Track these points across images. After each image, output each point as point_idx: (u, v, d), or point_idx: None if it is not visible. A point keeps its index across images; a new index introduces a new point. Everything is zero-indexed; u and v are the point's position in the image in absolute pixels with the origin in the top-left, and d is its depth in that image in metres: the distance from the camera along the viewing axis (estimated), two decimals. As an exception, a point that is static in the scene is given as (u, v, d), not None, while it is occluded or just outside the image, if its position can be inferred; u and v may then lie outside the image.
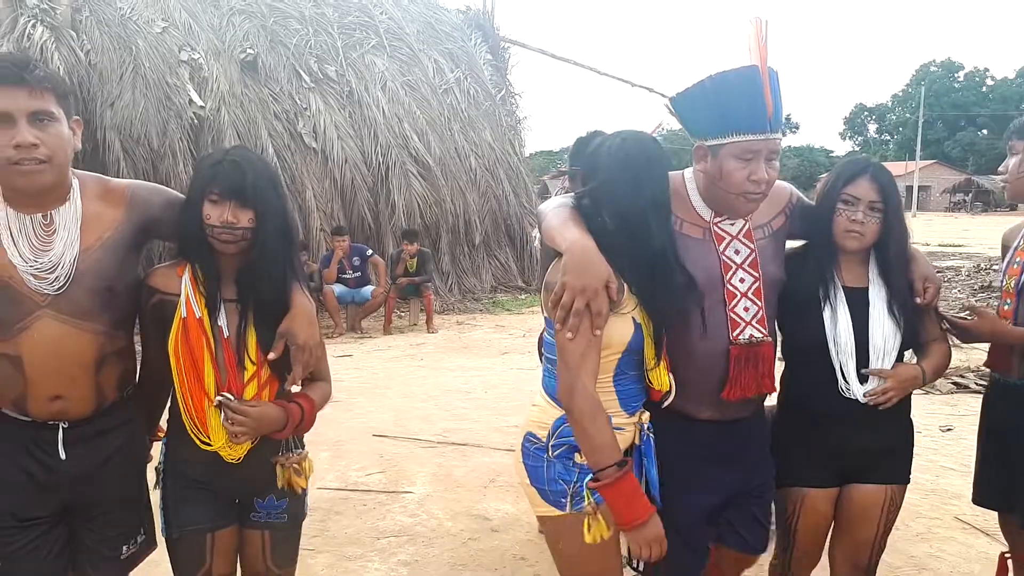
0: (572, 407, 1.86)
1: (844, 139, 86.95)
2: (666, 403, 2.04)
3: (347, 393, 6.27)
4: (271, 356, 1.89)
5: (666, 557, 2.01)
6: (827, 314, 2.17)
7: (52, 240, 1.80)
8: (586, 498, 1.91)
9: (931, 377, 2.23)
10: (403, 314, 10.45)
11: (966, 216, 49.44)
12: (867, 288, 2.20)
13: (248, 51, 10.69)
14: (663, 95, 15.88)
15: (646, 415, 2.01)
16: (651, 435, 2.02)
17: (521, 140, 14.61)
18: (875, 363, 2.16)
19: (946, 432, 5.30)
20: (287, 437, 1.98)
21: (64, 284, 1.79)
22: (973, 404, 6.02)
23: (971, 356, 7.58)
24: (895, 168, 63.69)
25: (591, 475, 1.88)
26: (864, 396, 2.15)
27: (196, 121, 9.81)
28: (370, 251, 9.76)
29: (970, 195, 59.36)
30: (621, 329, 1.91)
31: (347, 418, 5.60)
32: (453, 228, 12.03)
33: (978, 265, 16.30)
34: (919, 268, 2.21)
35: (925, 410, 5.88)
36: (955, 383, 6.56)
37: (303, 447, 2.08)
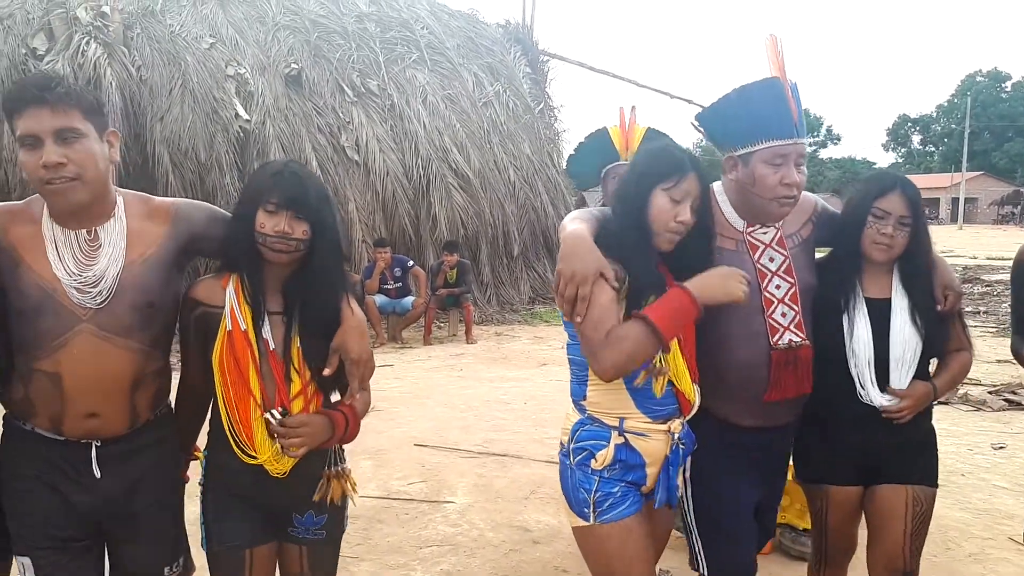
0: (611, 361, 1.86)
1: (887, 151, 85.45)
2: (690, 414, 2.07)
3: (388, 402, 6.33)
4: (326, 372, 1.88)
5: (719, 555, 2.18)
6: (845, 323, 2.25)
7: (97, 255, 1.81)
8: (591, 499, 1.98)
9: (943, 391, 2.31)
10: (443, 324, 10.51)
11: (1015, 229, 48.14)
12: (889, 299, 2.26)
13: (292, 66, 10.89)
14: (702, 106, 15.72)
15: (676, 423, 2.02)
16: (682, 446, 2.05)
17: (559, 152, 14.63)
18: (895, 372, 2.23)
19: (999, 450, 5.17)
20: (333, 447, 1.97)
21: (107, 298, 1.79)
22: (1026, 421, 5.88)
23: (1023, 372, 7.40)
24: (940, 180, 62.52)
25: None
26: (880, 407, 2.22)
27: (242, 134, 10.01)
28: (411, 262, 9.86)
29: (1019, 207, 57.81)
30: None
31: (389, 427, 5.65)
32: (492, 240, 12.08)
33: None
34: (940, 276, 2.28)
35: (977, 427, 5.75)
36: (1007, 400, 6.40)
37: (344, 461, 2.06)
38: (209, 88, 10.07)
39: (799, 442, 2.40)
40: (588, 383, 2.03)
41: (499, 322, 11.29)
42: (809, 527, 2.68)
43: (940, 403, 6.57)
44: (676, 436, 2.02)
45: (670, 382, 2.01)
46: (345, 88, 11.33)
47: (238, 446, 1.87)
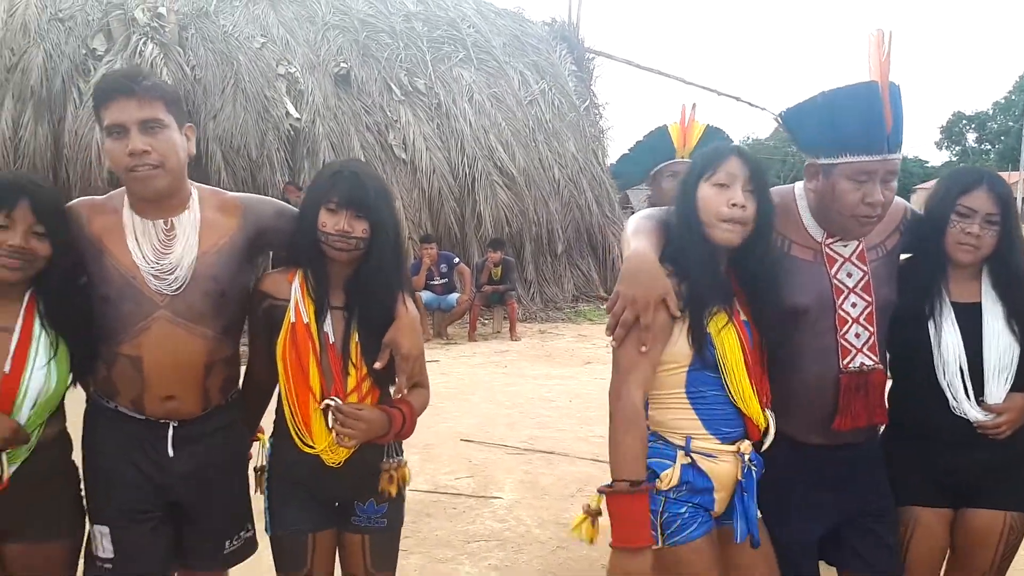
0: (613, 411, 1.81)
1: (940, 149, 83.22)
2: (765, 445, 1.93)
3: (435, 397, 6.29)
4: (377, 365, 1.92)
5: None
6: (932, 331, 2.09)
7: (172, 244, 1.92)
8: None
9: None
10: (487, 321, 10.56)
11: (1075, 230, 46.54)
12: (979, 303, 2.10)
13: (342, 65, 11.05)
14: (751, 104, 15.59)
15: (746, 444, 1.90)
16: (753, 469, 1.91)
17: (604, 150, 14.58)
18: (991, 382, 2.06)
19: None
20: (389, 442, 2.00)
21: (182, 285, 1.90)
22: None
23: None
24: (996, 179, 60.55)
25: (607, 485, 1.79)
26: (976, 422, 2.06)
27: (292, 133, 10.20)
28: (457, 259, 9.94)
29: (1079, 208, 55.92)
30: (683, 341, 1.84)
31: (435, 422, 5.70)
32: (536, 238, 12.10)
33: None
34: None
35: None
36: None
37: (402, 454, 2.09)
38: (260, 87, 10.26)
39: (888, 461, 2.20)
40: (648, 400, 1.89)
41: (543, 320, 11.31)
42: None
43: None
44: (747, 458, 1.89)
45: (734, 401, 1.88)
46: (393, 87, 11.44)
47: (297, 435, 1.94)
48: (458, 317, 9.81)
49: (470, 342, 9.65)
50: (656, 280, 1.81)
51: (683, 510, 1.85)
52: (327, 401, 1.91)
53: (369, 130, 10.99)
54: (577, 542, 3.67)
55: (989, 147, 78.30)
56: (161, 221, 1.93)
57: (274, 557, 2.09)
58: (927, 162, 73.24)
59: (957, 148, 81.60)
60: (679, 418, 1.88)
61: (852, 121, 1.91)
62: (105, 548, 1.95)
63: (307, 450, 1.94)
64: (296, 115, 10.24)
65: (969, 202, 2.05)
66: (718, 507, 1.91)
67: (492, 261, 9.98)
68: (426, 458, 4.89)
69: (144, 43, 9.66)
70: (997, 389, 2.07)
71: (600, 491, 1.80)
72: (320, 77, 10.88)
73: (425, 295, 9.50)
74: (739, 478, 1.89)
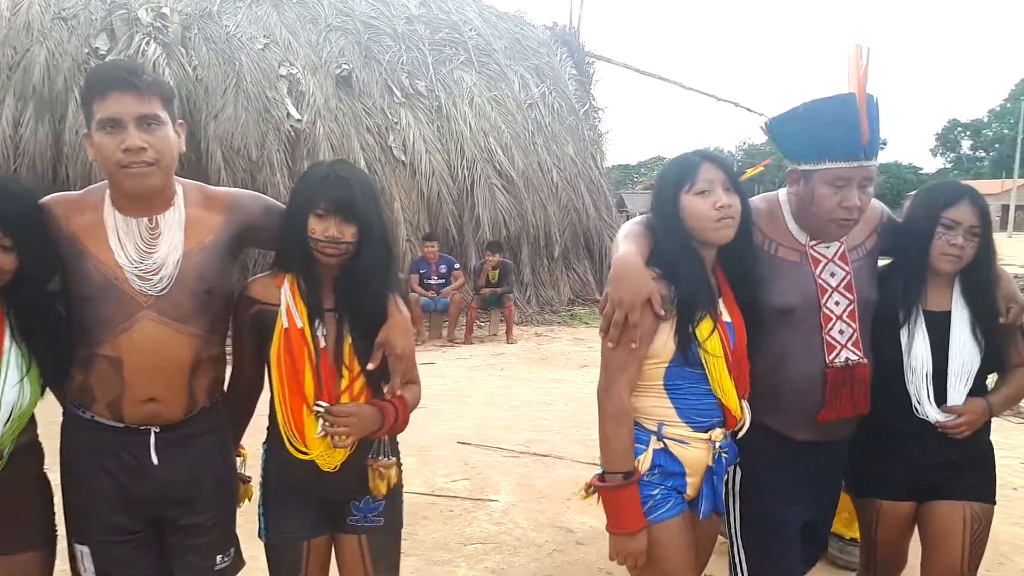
0: (602, 408, 1.94)
1: (935, 155, 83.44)
2: (740, 433, 2.06)
3: (432, 400, 6.42)
4: (370, 366, 1.91)
5: (766, 571, 2.16)
6: (904, 338, 2.21)
7: (157, 243, 1.85)
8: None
9: (1001, 407, 2.28)
10: (483, 324, 10.60)
11: (1069, 239, 46.68)
12: (949, 312, 2.23)
13: (343, 67, 11.08)
14: (749, 109, 15.67)
15: (717, 432, 2.00)
16: (724, 455, 2.03)
17: (603, 154, 14.65)
18: (953, 386, 2.20)
19: (1047, 466, 5.09)
20: (382, 437, 1.98)
21: (167, 285, 1.84)
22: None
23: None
24: (991, 186, 60.75)
25: (600, 475, 1.96)
26: (937, 423, 2.20)
27: (293, 134, 10.22)
28: (457, 265, 9.99)
29: (1073, 216, 56.07)
30: (664, 338, 1.95)
31: (432, 424, 5.74)
32: (533, 241, 12.14)
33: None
34: (1003, 289, 2.23)
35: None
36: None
37: (396, 454, 2.07)
38: (262, 88, 10.28)
39: (853, 455, 2.37)
40: None
41: (539, 323, 11.35)
42: (857, 536, 2.67)
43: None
44: (718, 445, 2.00)
45: (716, 395, 1.99)
46: (394, 89, 11.48)
47: (291, 441, 1.92)
48: (454, 318, 9.84)
49: (466, 344, 9.68)
50: (642, 282, 1.91)
51: (655, 492, 1.97)
52: (316, 407, 1.89)
53: (369, 132, 11.01)
54: (573, 545, 3.76)
55: (983, 154, 78.56)
56: (145, 219, 1.86)
57: (269, 565, 2.06)
58: (921, 169, 73.44)
59: (952, 155, 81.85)
60: (654, 406, 1.99)
61: (831, 130, 2.04)
62: (87, 568, 1.90)
63: (302, 457, 1.92)
64: (297, 116, 10.27)
65: (953, 215, 2.17)
66: (691, 491, 2.03)
67: (490, 263, 10.02)
68: (422, 460, 4.93)
69: (147, 43, 9.68)
70: (958, 393, 2.21)
71: (595, 486, 1.95)
72: (321, 78, 10.91)
73: (422, 299, 9.56)
74: (710, 464, 2.01)
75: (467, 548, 3.70)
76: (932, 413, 2.21)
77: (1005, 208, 54.39)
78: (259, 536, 2.08)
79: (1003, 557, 3.70)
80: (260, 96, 10.21)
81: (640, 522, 1.92)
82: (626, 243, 2.02)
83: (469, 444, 5.34)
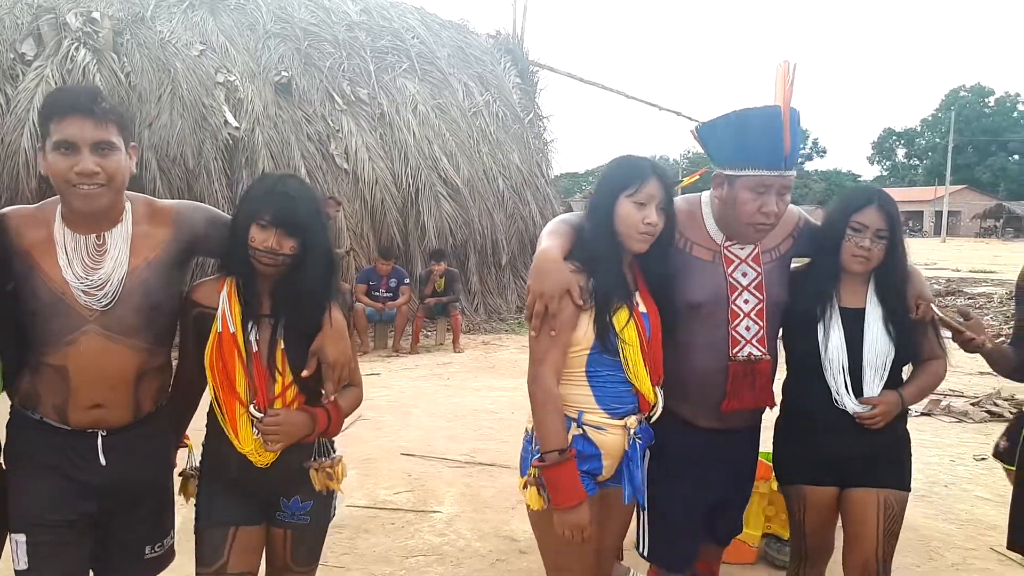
0: (532, 394, 2.08)
1: (872, 163, 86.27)
2: (653, 417, 2.19)
3: (375, 411, 6.32)
4: (304, 373, 1.99)
5: (661, 544, 2.35)
6: (820, 332, 2.34)
7: (103, 259, 1.91)
8: (532, 471, 2.10)
9: (912, 399, 2.39)
10: (430, 333, 10.51)
11: (997, 242, 48.66)
12: (863, 308, 2.35)
13: (283, 74, 10.89)
14: (690, 119, 15.94)
15: (632, 420, 2.13)
16: (638, 441, 2.14)
17: (548, 162, 14.70)
18: (869, 378, 2.32)
19: (980, 461, 5.23)
20: (314, 440, 2.06)
21: (111, 301, 1.89)
22: (1008, 433, 5.94)
23: (1003, 384, 7.47)
24: (924, 193, 63.11)
25: (538, 455, 2.07)
26: (854, 413, 2.32)
27: (231, 142, 9.98)
28: (407, 279, 9.86)
29: (1001, 221, 58.48)
30: (585, 327, 2.07)
31: (375, 436, 5.65)
32: (480, 249, 12.10)
33: (1010, 292, 16.01)
34: (913, 286, 2.35)
35: (959, 439, 5.81)
36: (988, 412, 6.47)
37: (334, 452, 2.16)
38: (198, 95, 10.04)
39: (777, 446, 2.53)
40: None
41: (486, 331, 11.30)
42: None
43: (923, 414, 6.66)
44: (632, 432, 2.12)
45: (631, 381, 2.12)
46: (335, 96, 11.34)
47: (230, 437, 2.00)
48: (400, 328, 9.71)
49: (413, 354, 9.57)
50: (560, 275, 2.04)
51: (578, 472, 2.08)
52: (251, 414, 1.97)
53: (310, 139, 10.84)
54: (516, 553, 3.71)
55: (917, 162, 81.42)
56: (93, 236, 1.91)
57: (196, 551, 2.09)
58: (860, 176, 75.85)
59: (888, 163, 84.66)
60: (575, 394, 2.12)
61: (756, 139, 2.16)
62: (20, 559, 1.92)
63: (238, 450, 1.99)
64: (235, 124, 10.04)
65: (862, 219, 2.30)
66: (605, 472, 2.16)
67: (436, 272, 9.94)
68: (365, 473, 4.83)
69: (76, 48, 9.36)
70: (873, 387, 2.33)
71: (534, 465, 2.08)
72: (260, 86, 10.70)
73: (368, 308, 9.42)
74: (625, 448, 2.13)
75: (409, 560, 3.65)
76: (849, 404, 2.32)
77: (938, 214, 56.39)
78: (195, 531, 2.12)
79: (933, 552, 3.78)
80: (196, 103, 9.96)
81: (580, 495, 2.04)
82: (549, 239, 2.13)
83: (413, 455, 5.26)
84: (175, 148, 9.62)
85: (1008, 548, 2.58)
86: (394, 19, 12.99)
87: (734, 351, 2.28)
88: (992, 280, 19.14)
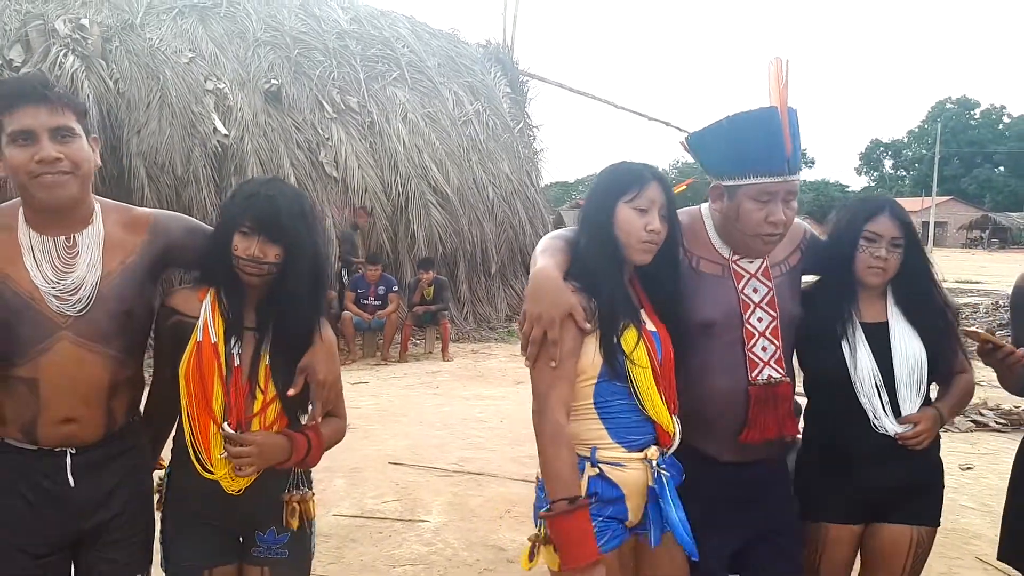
0: (538, 431, 1.83)
1: (860, 174, 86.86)
2: (672, 448, 1.95)
3: (363, 420, 6.30)
4: (291, 392, 1.86)
5: None
6: (846, 351, 2.16)
7: (75, 262, 1.81)
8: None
9: (950, 414, 2.24)
10: (419, 342, 10.48)
11: (983, 253, 49.07)
12: (886, 322, 2.20)
13: (272, 82, 10.88)
14: (680, 129, 16.02)
15: (652, 450, 1.91)
16: (663, 473, 1.90)
17: (538, 171, 14.74)
18: (904, 395, 2.15)
19: (966, 471, 5.25)
20: (291, 468, 1.93)
21: (86, 306, 1.79)
22: (992, 443, 5.98)
23: (989, 394, 7.53)
24: (911, 204, 63.36)
25: (546, 506, 1.81)
26: (896, 435, 2.14)
27: (220, 149, 9.95)
28: (396, 287, 9.85)
29: (987, 232, 59.00)
30: (591, 353, 1.86)
31: (363, 445, 5.62)
32: (470, 257, 12.10)
33: (996, 302, 16.15)
34: (941, 294, 2.24)
35: (945, 448, 5.77)
36: (974, 421, 6.51)
37: (309, 486, 2.02)
38: (187, 102, 10.01)
39: (801, 477, 2.28)
40: None
41: (476, 340, 11.29)
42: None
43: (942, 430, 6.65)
44: (654, 463, 1.89)
45: (645, 409, 1.90)
46: (325, 105, 11.33)
47: (197, 460, 1.85)
48: (389, 336, 9.69)
49: (401, 363, 9.55)
50: (560, 296, 1.83)
51: (592, 524, 1.82)
52: (222, 429, 1.83)
53: (300, 147, 10.82)
54: (504, 563, 3.70)
55: (904, 173, 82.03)
56: (63, 237, 1.81)
57: None
58: (848, 187, 76.22)
59: (875, 174, 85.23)
60: (586, 429, 1.89)
61: (754, 144, 1.98)
62: None
63: (207, 476, 1.85)
64: (224, 131, 10.01)
65: (875, 228, 2.16)
66: (632, 516, 1.91)
67: (425, 281, 9.93)
68: (352, 482, 4.81)
69: (65, 55, 9.31)
70: (910, 403, 2.16)
71: (542, 516, 1.81)
72: (250, 93, 10.68)
73: (356, 317, 9.39)
74: (650, 484, 1.89)
75: (396, 570, 3.62)
76: (890, 426, 2.14)
77: (925, 225, 56.77)
78: (161, 566, 2.00)
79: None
80: (186, 111, 9.93)
81: (594, 553, 1.76)
82: (544, 257, 1.94)
83: (401, 464, 5.24)
84: (164, 155, 9.59)
85: (999, 559, 2.44)
86: (384, 28, 13.01)
87: (754, 374, 2.06)
88: (978, 291, 19.29)
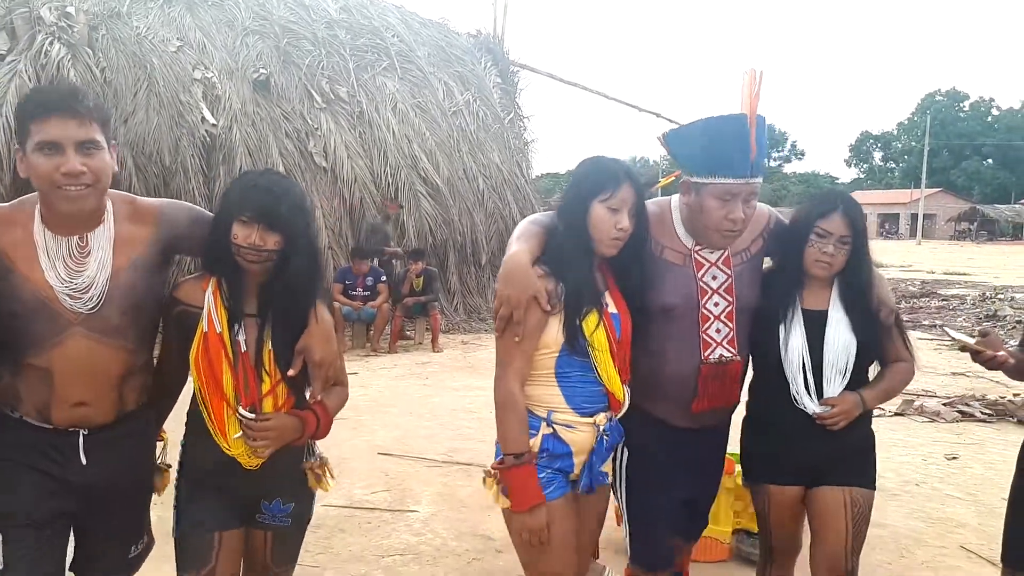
0: (496, 396, 2.12)
1: (849, 166, 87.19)
2: (620, 413, 2.22)
3: (353, 411, 6.28)
4: (290, 373, 1.97)
5: (644, 543, 2.38)
6: (781, 333, 2.36)
7: (87, 261, 1.87)
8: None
9: (873, 401, 2.40)
10: (409, 333, 10.48)
11: (971, 245, 49.41)
12: (826, 311, 2.37)
13: (261, 71, 10.81)
14: (670, 120, 15.99)
15: (600, 417, 2.16)
16: (606, 437, 2.17)
17: (529, 162, 14.70)
18: (829, 380, 2.34)
19: (952, 460, 5.30)
20: (304, 444, 2.07)
21: (97, 304, 1.86)
22: (978, 433, 6.04)
23: (976, 385, 7.59)
24: (900, 196, 63.81)
25: (498, 456, 2.11)
26: (814, 414, 2.34)
27: (208, 139, 9.90)
28: (384, 277, 9.82)
29: (975, 224, 59.40)
30: (554, 330, 2.10)
31: (352, 436, 5.62)
32: (460, 248, 12.08)
33: (983, 294, 16.29)
34: (876, 291, 2.38)
35: (931, 438, 5.88)
36: (960, 412, 6.56)
37: (315, 453, 2.16)
38: (175, 92, 9.94)
39: (743, 444, 2.55)
40: None
41: (466, 331, 11.29)
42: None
43: (896, 414, 6.72)
44: (601, 428, 2.15)
45: (601, 382, 2.14)
46: (314, 94, 11.27)
47: (217, 439, 1.97)
48: (379, 327, 9.67)
49: (391, 354, 9.53)
50: (527, 280, 2.07)
51: (542, 474, 2.12)
52: (239, 414, 1.94)
53: (288, 137, 10.77)
54: (493, 552, 3.71)
55: (894, 165, 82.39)
56: (76, 237, 1.87)
57: (177, 556, 2.06)
58: (837, 178, 76.68)
59: (865, 166, 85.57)
60: (545, 394, 2.14)
61: (723, 147, 2.19)
62: None
63: (226, 452, 1.96)
64: (212, 121, 9.95)
65: (826, 225, 2.32)
66: (577, 470, 2.19)
67: (414, 272, 9.90)
68: (342, 473, 4.78)
69: (50, 43, 9.22)
70: (834, 388, 2.35)
71: (493, 468, 2.13)
72: (238, 83, 10.62)
73: (344, 307, 9.36)
74: (594, 444, 2.17)
75: (385, 560, 3.63)
76: (809, 404, 2.34)
77: (914, 216, 57.11)
78: (172, 533, 2.09)
79: (904, 550, 3.83)
80: (173, 100, 9.87)
81: (536, 498, 2.07)
82: (519, 243, 2.14)
83: (390, 455, 5.25)
84: (151, 145, 9.54)
85: (1002, 562, 2.44)
86: (374, 17, 12.93)
87: (705, 353, 2.31)
88: (965, 282, 19.43)
